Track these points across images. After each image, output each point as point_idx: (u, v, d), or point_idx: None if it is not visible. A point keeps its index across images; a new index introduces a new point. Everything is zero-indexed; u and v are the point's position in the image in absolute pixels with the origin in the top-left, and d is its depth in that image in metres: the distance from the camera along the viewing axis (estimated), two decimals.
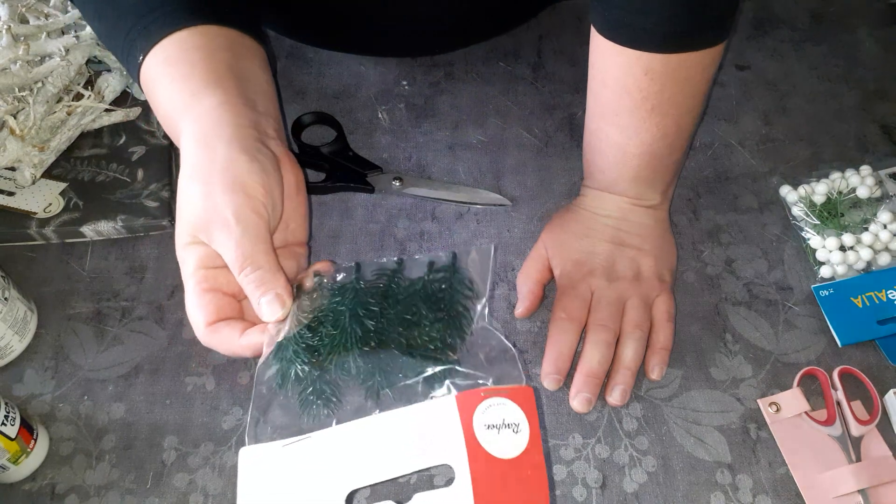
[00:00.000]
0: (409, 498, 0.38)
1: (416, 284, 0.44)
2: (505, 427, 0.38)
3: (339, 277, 0.45)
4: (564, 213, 0.59)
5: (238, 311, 0.45)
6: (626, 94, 0.51)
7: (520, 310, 0.57)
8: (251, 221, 0.42)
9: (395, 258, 0.46)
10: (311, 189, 0.62)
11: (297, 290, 0.44)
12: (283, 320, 0.43)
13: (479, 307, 0.45)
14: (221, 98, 0.45)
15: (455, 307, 0.44)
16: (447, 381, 0.41)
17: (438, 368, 0.41)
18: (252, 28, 0.51)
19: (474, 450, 0.38)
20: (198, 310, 0.43)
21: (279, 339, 0.42)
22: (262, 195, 0.43)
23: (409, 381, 0.41)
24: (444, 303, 0.44)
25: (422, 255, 0.48)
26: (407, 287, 0.44)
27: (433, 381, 0.41)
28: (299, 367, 0.41)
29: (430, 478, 0.49)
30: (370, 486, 0.42)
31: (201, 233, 0.43)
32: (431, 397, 0.40)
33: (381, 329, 0.42)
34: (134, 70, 0.49)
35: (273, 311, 0.42)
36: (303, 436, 0.40)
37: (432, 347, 0.42)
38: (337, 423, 0.40)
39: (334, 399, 0.41)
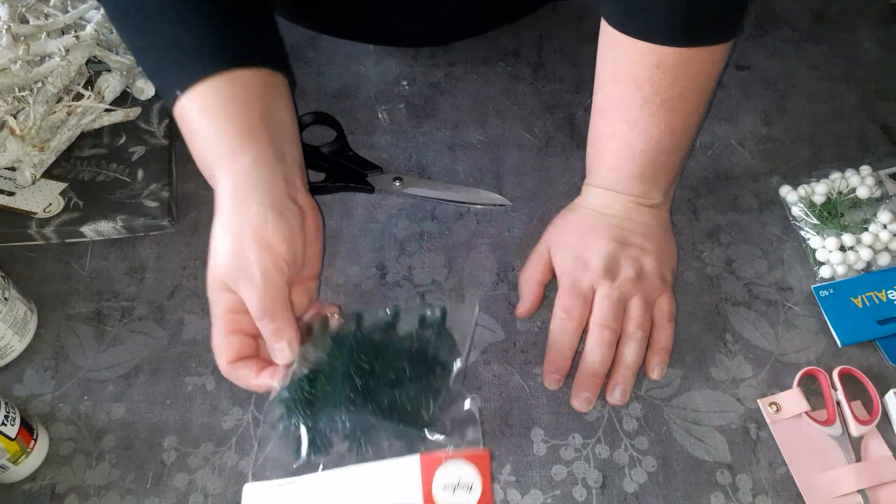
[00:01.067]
0: None
1: (405, 341, 0.50)
2: (460, 487, 0.44)
3: (342, 324, 0.51)
4: (567, 212, 0.59)
5: (256, 348, 0.51)
6: (636, 87, 0.51)
7: (521, 310, 0.57)
8: (273, 278, 0.48)
9: (392, 309, 0.52)
10: (312, 189, 0.62)
11: (306, 330, 0.51)
12: (292, 364, 0.49)
13: (455, 368, 0.49)
14: (255, 156, 0.50)
15: (435, 368, 0.49)
16: (417, 441, 0.47)
17: (411, 430, 0.47)
18: (278, 56, 0.56)
19: None
20: (222, 349, 0.49)
21: (285, 384, 0.48)
22: (285, 252, 0.49)
23: (385, 439, 0.47)
24: (427, 364, 0.49)
25: (417, 306, 0.54)
26: (397, 343, 0.50)
27: (405, 440, 0.47)
28: (297, 416, 0.47)
29: None
30: None
31: (230, 282, 0.48)
32: (397, 454, 0.46)
33: (368, 388, 0.47)
34: (166, 92, 0.52)
35: (284, 356, 0.49)
36: (293, 478, 0.46)
37: (409, 409, 0.47)
38: (323, 469, 0.47)
39: (322, 449, 0.47)
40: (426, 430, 0.47)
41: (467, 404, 0.48)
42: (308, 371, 0.48)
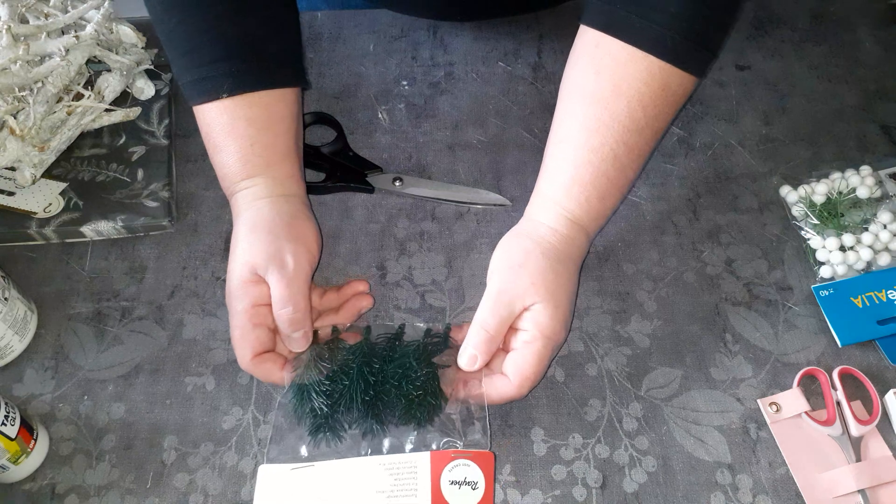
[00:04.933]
0: None
1: (411, 346, 0.53)
2: (465, 484, 0.47)
3: (352, 336, 0.54)
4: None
5: (274, 342, 0.53)
6: (640, 107, 0.50)
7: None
8: (302, 269, 0.52)
9: (399, 324, 0.55)
10: (312, 189, 0.62)
11: (314, 335, 0.53)
12: (305, 355, 0.52)
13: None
14: (290, 171, 0.57)
15: (440, 366, 0.51)
16: (427, 438, 0.50)
17: (421, 418, 0.50)
18: (300, 66, 0.61)
19: (437, 499, 0.47)
20: (246, 343, 0.51)
21: (301, 381, 0.51)
22: (314, 248, 0.55)
23: (398, 428, 0.50)
24: (431, 362, 0.51)
25: (422, 322, 0.56)
26: (404, 348, 0.53)
27: (416, 434, 0.50)
28: (316, 405, 0.50)
29: None
30: None
31: (260, 269, 0.51)
32: (410, 450, 0.50)
33: (379, 381, 0.50)
34: (198, 87, 0.55)
35: (300, 345, 0.52)
36: (308, 463, 0.49)
37: (418, 395, 0.50)
38: (337, 458, 0.50)
39: (336, 437, 0.50)
40: (435, 417, 0.50)
41: (475, 407, 0.50)
42: (325, 365, 0.51)
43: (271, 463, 0.50)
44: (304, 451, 0.50)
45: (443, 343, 0.53)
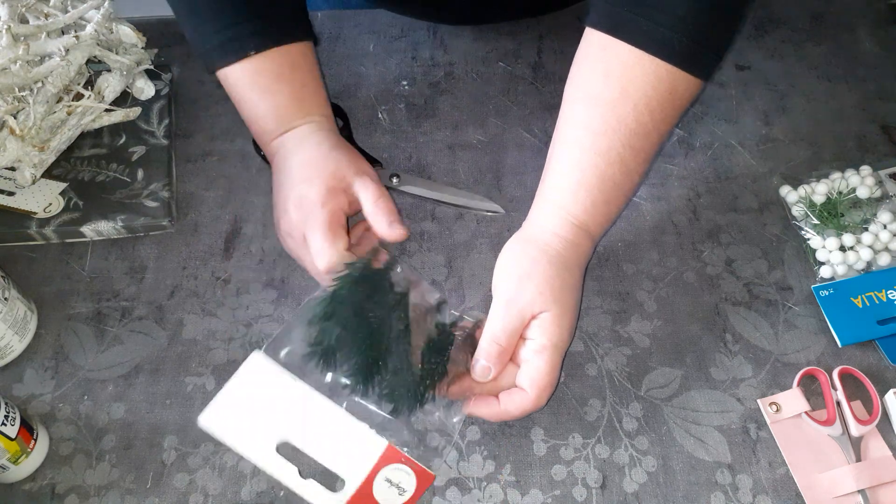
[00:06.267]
0: (307, 478, 0.49)
1: (434, 329, 0.51)
2: (396, 487, 0.49)
3: (399, 279, 0.53)
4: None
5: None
6: (647, 111, 0.50)
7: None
8: (376, 179, 0.57)
9: (439, 300, 0.54)
10: None
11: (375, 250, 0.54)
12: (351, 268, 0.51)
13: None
14: (326, 111, 0.61)
15: (441, 369, 0.50)
16: (399, 425, 0.50)
17: (404, 392, 0.49)
18: (311, 26, 0.63)
19: (366, 485, 0.49)
20: (338, 237, 0.52)
21: (334, 294, 0.50)
22: (370, 169, 0.58)
23: (379, 401, 0.50)
24: (438, 362, 0.50)
25: (456, 314, 0.55)
26: (429, 327, 0.51)
27: (389, 416, 0.50)
28: (330, 328, 0.49)
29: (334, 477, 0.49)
30: (296, 448, 0.49)
31: (349, 176, 0.55)
32: (376, 426, 0.50)
33: (389, 351, 0.49)
34: (226, 48, 0.57)
35: (398, 232, 0.54)
36: (293, 378, 0.50)
37: (414, 370, 0.49)
38: (319, 391, 0.50)
39: (328, 367, 0.49)
40: (414, 410, 0.49)
41: (455, 419, 0.51)
42: (357, 292, 0.50)
43: (267, 354, 0.51)
44: (296, 361, 0.50)
45: (461, 338, 0.52)
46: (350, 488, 0.48)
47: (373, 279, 0.51)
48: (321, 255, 0.52)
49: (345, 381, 0.49)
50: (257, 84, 0.58)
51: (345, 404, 0.50)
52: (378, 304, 0.50)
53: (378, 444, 0.49)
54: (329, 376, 0.50)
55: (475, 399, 0.50)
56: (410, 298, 0.51)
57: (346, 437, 0.49)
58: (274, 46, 0.57)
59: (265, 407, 0.50)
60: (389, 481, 0.49)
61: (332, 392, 0.50)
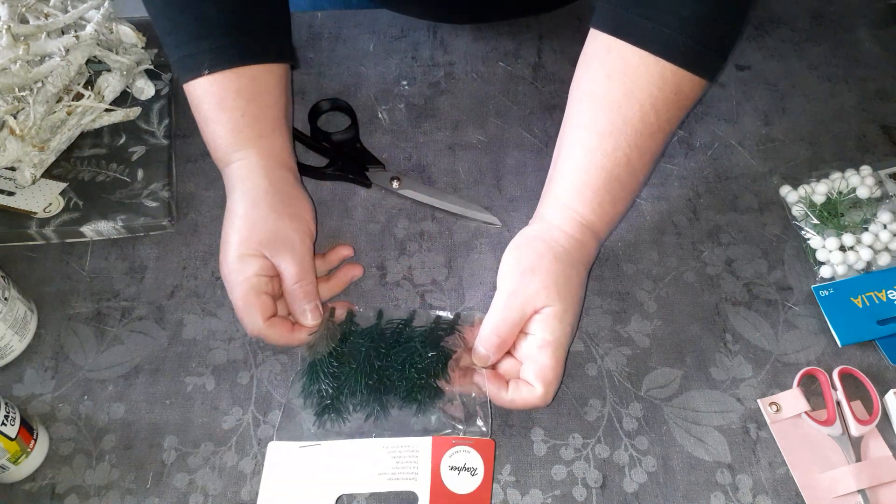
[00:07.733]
0: None
1: (418, 330, 0.54)
2: (465, 470, 0.49)
3: (364, 319, 0.56)
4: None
5: (277, 310, 0.54)
6: (653, 111, 0.50)
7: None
8: (307, 245, 0.54)
9: (410, 310, 0.56)
10: (311, 172, 0.64)
11: (331, 314, 0.55)
12: (316, 334, 0.53)
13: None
14: (281, 142, 0.58)
15: (446, 351, 0.52)
16: (430, 423, 0.51)
17: (423, 400, 0.51)
18: (290, 48, 0.61)
19: (437, 484, 0.49)
20: (255, 308, 0.52)
21: (313, 360, 0.53)
22: (312, 224, 0.56)
23: (401, 411, 0.52)
24: (438, 347, 0.52)
25: (432, 310, 0.57)
26: (410, 332, 0.54)
27: (419, 417, 0.51)
28: (323, 386, 0.52)
29: (405, 498, 0.49)
30: (355, 494, 0.50)
31: (266, 249, 0.53)
32: (414, 434, 0.51)
33: (384, 366, 0.52)
34: (183, 64, 0.56)
35: (314, 317, 0.53)
36: (315, 442, 0.51)
37: (421, 378, 0.51)
38: (342, 438, 0.51)
39: (342, 417, 0.52)
40: (437, 401, 0.51)
41: (478, 396, 0.51)
42: (334, 347, 0.53)
43: (281, 440, 0.51)
44: (311, 430, 0.51)
45: (450, 329, 0.54)
46: (423, 494, 0.48)
47: (340, 330, 0.54)
48: (242, 323, 0.53)
49: (363, 414, 0.52)
50: (200, 109, 0.57)
51: (374, 434, 0.51)
52: (352, 343, 0.53)
53: (423, 443, 0.50)
54: (349, 420, 0.52)
55: (488, 374, 0.50)
56: (384, 317, 0.55)
57: (393, 457, 0.50)
58: (228, 67, 0.55)
59: (305, 480, 0.50)
60: (455, 468, 0.49)
61: (360, 433, 0.52)
